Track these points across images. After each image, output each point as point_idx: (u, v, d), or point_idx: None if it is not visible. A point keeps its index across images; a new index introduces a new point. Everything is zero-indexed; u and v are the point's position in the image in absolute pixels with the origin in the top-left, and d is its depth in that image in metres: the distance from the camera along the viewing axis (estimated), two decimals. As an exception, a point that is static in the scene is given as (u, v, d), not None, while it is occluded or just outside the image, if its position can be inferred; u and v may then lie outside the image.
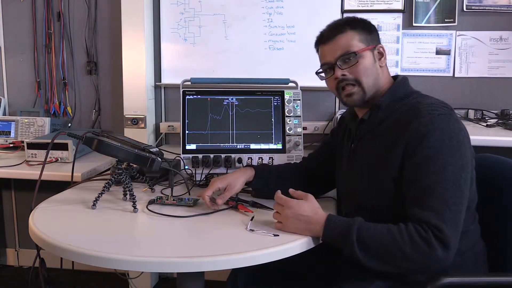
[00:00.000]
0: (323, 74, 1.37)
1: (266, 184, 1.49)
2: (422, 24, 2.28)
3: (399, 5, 2.28)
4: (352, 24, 1.32)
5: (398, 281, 1.19)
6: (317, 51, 1.38)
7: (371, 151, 1.28)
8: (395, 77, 1.36)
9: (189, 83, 2.01)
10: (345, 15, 2.32)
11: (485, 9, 2.25)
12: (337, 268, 1.36)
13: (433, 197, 1.11)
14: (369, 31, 1.33)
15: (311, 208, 1.22)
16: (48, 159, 1.62)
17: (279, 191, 1.28)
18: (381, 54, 1.33)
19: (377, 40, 1.35)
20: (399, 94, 1.30)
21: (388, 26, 2.31)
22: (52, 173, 1.81)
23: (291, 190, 1.29)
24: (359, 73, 1.28)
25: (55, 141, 1.45)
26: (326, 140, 1.60)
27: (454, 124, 1.17)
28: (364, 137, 1.33)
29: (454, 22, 2.27)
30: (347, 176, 1.39)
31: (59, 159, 1.98)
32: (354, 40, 1.29)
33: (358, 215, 1.18)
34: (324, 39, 1.33)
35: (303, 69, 2.33)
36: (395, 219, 1.14)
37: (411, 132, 1.17)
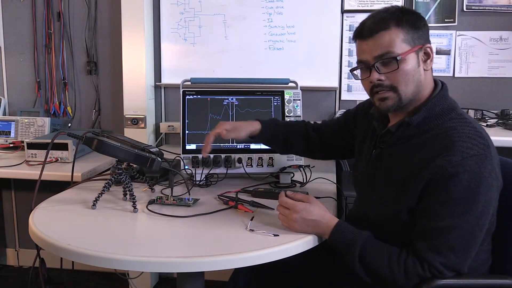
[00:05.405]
0: (358, 73, 1.24)
1: (270, 140, 1.56)
2: (422, 24, 2.28)
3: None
4: (398, 19, 1.15)
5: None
6: (355, 42, 1.23)
7: (392, 171, 1.20)
8: (435, 82, 1.23)
9: (189, 83, 2.01)
10: (345, 15, 2.32)
11: (485, 9, 2.25)
12: (337, 268, 1.37)
13: (442, 241, 1.07)
14: (417, 27, 1.16)
15: (318, 212, 1.21)
16: (48, 159, 1.61)
17: (283, 193, 1.26)
18: (428, 55, 1.18)
19: (425, 38, 1.18)
20: (436, 110, 1.17)
21: (388, 26, 2.30)
22: (52, 173, 1.81)
23: (289, 193, 1.27)
24: (397, 80, 1.15)
25: (55, 141, 1.45)
26: (348, 118, 1.53)
27: (487, 166, 1.07)
28: (388, 149, 1.25)
29: (454, 22, 2.27)
30: (362, 185, 1.36)
31: (59, 159, 1.98)
32: (397, 40, 1.14)
33: (366, 226, 1.19)
34: (363, 33, 1.18)
35: (303, 69, 2.34)
36: (403, 237, 1.14)
37: (438, 168, 1.07)
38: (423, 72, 1.18)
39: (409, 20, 1.16)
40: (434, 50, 2.21)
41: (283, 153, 1.69)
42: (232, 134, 1.49)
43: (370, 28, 1.16)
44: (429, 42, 1.19)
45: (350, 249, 1.15)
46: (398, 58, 1.13)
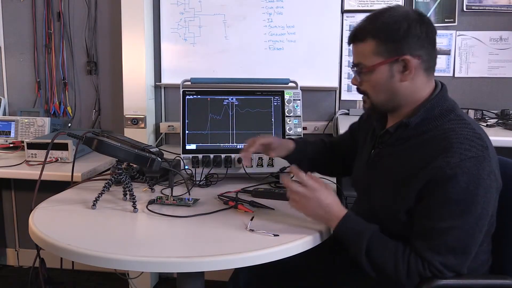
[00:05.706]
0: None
1: (301, 160, 1.54)
2: (422, 24, 2.28)
3: (399, 5, 2.28)
4: (376, 31, 1.16)
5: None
6: None
7: (391, 171, 1.20)
8: (435, 83, 1.23)
9: (189, 83, 2.01)
10: (345, 15, 2.32)
11: (485, 9, 2.25)
12: (337, 268, 1.37)
13: (442, 241, 1.08)
14: (395, 39, 1.15)
15: (333, 197, 1.21)
16: (48, 159, 1.61)
17: (298, 169, 1.25)
18: (405, 68, 1.15)
19: (405, 50, 1.15)
20: (435, 112, 1.17)
21: (388, 26, 2.30)
22: (52, 173, 1.81)
23: (310, 174, 1.27)
24: (367, 88, 1.23)
25: (55, 141, 1.45)
26: (353, 127, 1.57)
27: (485, 168, 1.07)
28: (387, 149, 1.26)
29: (454, 22, 2.27)
30: (362, 185, 1.37)
31: (59, 159, 1.98)
32: (369, 52, 1.17)
33: (369, 220, 1.19)
34: (349, 40, 1.25)
35: (303, 69, 2.34)
36: (403, 237, 1.14)
37: (437, 169, 1.07)
38: (397, 83, 1.17)
39: (387, 31, 1.15)
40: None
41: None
42: (277, 152, 1.52)
43: (351, 36, 1.24)
44: (414, 52, 1.15)
45: (357, 241, 1.14)
46: (365, 70, 1.19)
